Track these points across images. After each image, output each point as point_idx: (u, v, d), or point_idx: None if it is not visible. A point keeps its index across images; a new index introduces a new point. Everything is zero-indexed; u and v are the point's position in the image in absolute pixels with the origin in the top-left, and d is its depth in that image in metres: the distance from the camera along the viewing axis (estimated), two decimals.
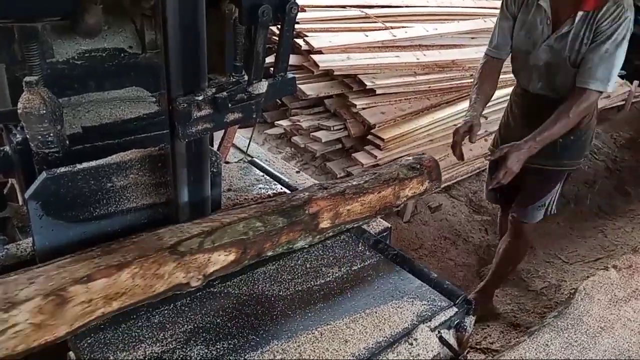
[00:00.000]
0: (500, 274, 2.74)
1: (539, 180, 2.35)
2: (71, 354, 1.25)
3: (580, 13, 1.99)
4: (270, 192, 1.88)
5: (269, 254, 1.40)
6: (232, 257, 1.28)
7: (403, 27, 4.26)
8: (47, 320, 1.02)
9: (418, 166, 1.69)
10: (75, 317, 1.06)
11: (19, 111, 1.27)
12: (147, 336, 1.27)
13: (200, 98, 1.24)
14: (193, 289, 1.27)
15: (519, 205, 2.46)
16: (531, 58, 2.19)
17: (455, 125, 3.74)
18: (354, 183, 1.55)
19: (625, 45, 1.97)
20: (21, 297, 0.99)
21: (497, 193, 2.64)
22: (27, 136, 1.31)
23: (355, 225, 1.60)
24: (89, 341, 1.23)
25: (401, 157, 3.44)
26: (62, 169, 1.28)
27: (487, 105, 2.43)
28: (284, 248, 1.43)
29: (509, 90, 4.27)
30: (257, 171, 2.03)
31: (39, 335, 1.01)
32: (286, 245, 1.42)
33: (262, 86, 1.36)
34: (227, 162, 2.18)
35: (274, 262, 1.54)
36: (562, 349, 1.71)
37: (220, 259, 1.27)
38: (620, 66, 2.01)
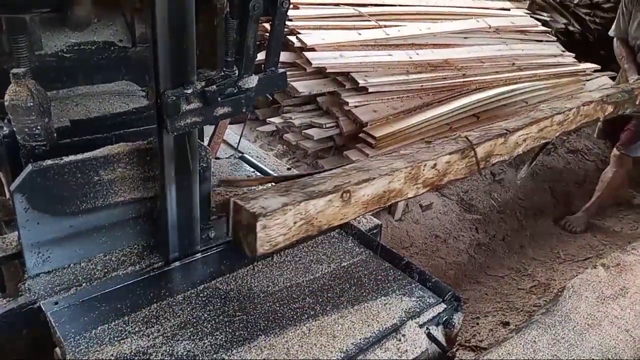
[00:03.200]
0: (605, 197, 3.59)
1: None
2: (57, 350, 1.24)
3: None
4: (259, 187, 1.88)
5: (620, 113, 2.45)
6: (611, 109, 2.33)
7: (396, 25, 4.26)
8: None
9: None
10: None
11: (6, 103, 1.26)
12: (133, 331, 1.26)
13: (190, 91, 1.23)
14: (602, 118, 2.36)
15: (625, 142, 3.40)
16: None
17: (447, 124, 3.78)
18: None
19: None
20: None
21: (608, 132, 3.66)
22: (14, 129, 1.30)
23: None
24: (75, 337, 1.22)
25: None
26: (49, 162, 1.27)
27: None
28: (619, 112, 2.44)
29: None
30: (248, 167, 2.03)
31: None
32: (620, 111, 2.44)
33: (252, 80, 1.35)
34: (217, 158, 2.17)
35: (263, 258, 1.53)
36: (550, 346, 1.72)
37: (609, 109, 2.32)
38: None
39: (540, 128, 2.00)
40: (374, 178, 1.36)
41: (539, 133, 2.00)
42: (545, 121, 2.02)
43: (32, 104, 1.26)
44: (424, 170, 1.54)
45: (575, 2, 5.66)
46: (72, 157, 1.30)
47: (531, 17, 5.23)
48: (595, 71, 4.72)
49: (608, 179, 3.54)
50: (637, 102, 2.55)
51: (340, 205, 1.27)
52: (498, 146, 1.80)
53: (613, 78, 4.50)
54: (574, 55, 5.04)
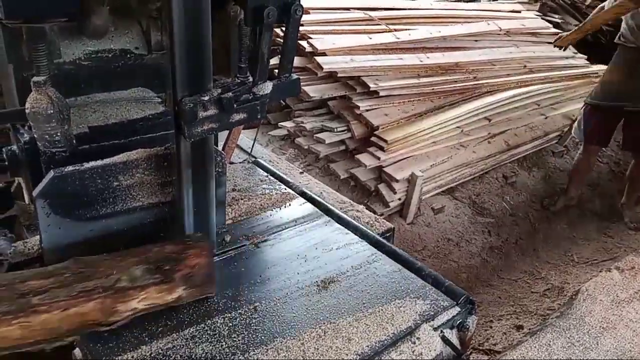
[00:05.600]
0: (635, 187, 3.74)
1: None
2: (77, 351, 1.26)
3: None
4: (274, 192, 1.90)
5: None
6: None
7: (406, 29, 4.27)
8: None
9: (168, 267, 1.21)
10: None
11: (27, 111, 1.29)
12: (152, 333, 1.28)
13: (206, 98, 1.25)
14: None
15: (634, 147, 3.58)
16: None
17: (458, 127, 3.78)
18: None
19: None
20: None
21: (598, 135, 3.62)
22: (35, 136, 1.33)
23: None
24: (94, 339, 1.24)
25: (405, 158, 3.47)
26: (70, 168, 1.30)
27: None
28: None
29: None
30: (261, 171, 2.05)
31: None
32: None
33: (267, 87, 1.37)
34: (231, 163, 2.20)
35: (280, 262, 1.55)
36: (564, 349, 1.72)
37: None
38: None
39: None
40: None
41: None
42: None
43: (52, 111, 1.29)
44: None
45: (586, 3, 5.63)
46: (92, 163, 1.32)
47: (542, 19, 5.21)
48: None
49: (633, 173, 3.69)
50: None
51: None
52: None
53: None
54: (585, 57, 5.01)
